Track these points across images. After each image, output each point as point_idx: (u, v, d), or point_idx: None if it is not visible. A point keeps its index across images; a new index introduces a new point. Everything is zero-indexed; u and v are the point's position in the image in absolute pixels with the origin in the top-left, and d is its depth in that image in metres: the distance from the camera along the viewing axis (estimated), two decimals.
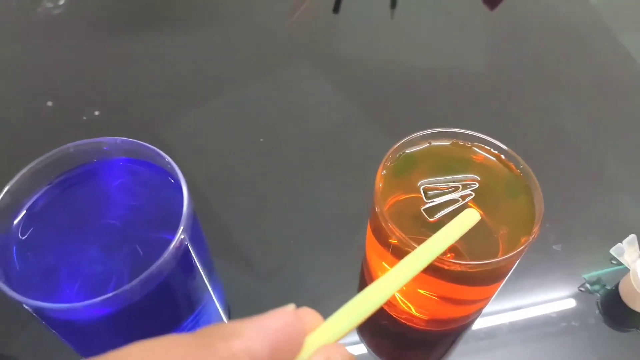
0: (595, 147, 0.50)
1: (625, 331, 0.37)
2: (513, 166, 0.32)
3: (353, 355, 0.16)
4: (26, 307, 0.22)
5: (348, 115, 0.51)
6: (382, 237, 0.30)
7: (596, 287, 0.39)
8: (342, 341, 0.17)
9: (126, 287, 0.22)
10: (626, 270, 0.38)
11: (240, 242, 0.41)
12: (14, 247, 0.25)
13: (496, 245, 0.30)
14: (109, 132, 0.29)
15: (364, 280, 0.38)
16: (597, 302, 0.38)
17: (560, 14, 0.65)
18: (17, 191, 0.26)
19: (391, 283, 0.20)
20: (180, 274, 0.26)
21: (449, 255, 0.29)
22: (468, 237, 0.26)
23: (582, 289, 0.39)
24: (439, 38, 0.61)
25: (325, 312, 0.18)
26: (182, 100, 0.52)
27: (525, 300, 0.38)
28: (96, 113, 0.50)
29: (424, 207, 0.31)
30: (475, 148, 0.33)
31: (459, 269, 0.27)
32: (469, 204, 0.31)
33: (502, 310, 0.38)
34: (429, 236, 0.25)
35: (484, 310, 0.37)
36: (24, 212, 0.27)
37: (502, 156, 0.33)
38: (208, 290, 0.31)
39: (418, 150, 0.33)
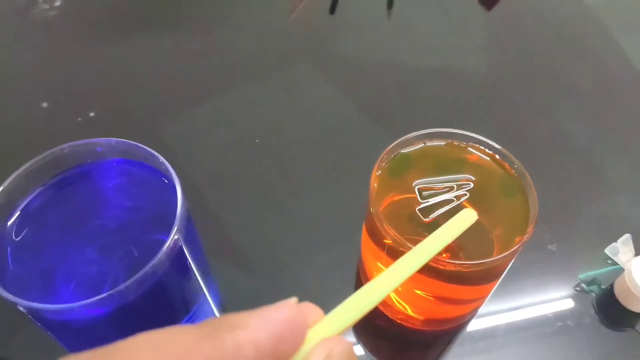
0: (591, 147, 0.50)
1: (621, 330, 0.37)
2: (508, 166, 0.32)
3: (352, 347, 0.17)
4: (21, 309, 0.22)
5: (344, 115, 0.52)
6: (377, 238, 0.30)
7: (592, 286, 0.39)
8: None
9: (121, 287, 0.22)
10: (621, 270, 0.38)
11: (236, 243, 0.41)
12: (8, 248, 0.25)
13: (491, 245, 0.30)
14: (104, 133, 0.29)
15: (359, 281, 0.38)
16: (593, 302, 0.38)
17: (556, 14, 0.65)
18: (12, 192, 0.26)
19: (393, 278, 0.20)
20: (175, 274, 0.26)
21: (444, 255, 0.29)
22: (463, 237, 0.26)
23: (578, 289, 0.39)
24: (435, 38, 0.61)
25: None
26: (177, 100, 0.52)
27: (521, 301, 0.38)
28: (91, 114, 0.50)
29: (419, 207, 0.31)
30: (470, 148, 0.33)
31: (454, 268, 0.27)
32: (464, 204, 0.31)
33: (498, 311, 0.38)
34: (424, 236, 0.24)
35: (480, 311, 0.37)
36: (18, 213, 0.27)
37: (497, 156, 0.33)
38: (203, 290, 0.31)
39: (413, 150, 0.33)
